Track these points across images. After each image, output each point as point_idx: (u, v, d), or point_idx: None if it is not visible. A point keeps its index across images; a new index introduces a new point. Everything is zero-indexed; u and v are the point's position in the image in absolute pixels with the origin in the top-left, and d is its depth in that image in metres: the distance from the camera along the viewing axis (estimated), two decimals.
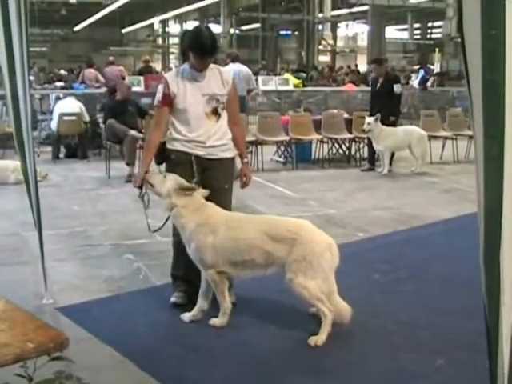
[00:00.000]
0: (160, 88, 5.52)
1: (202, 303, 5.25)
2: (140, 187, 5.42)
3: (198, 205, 5.11)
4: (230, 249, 5.00)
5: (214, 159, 5.45)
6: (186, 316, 5.25)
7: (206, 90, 5.41)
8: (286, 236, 4.91)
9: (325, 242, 4.95)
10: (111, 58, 21.16)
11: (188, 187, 5.12)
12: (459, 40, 2.60)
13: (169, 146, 5.53)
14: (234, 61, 13.40)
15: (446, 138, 14.33)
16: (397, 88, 12.65)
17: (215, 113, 5.46)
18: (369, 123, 12.12)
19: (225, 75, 5.54)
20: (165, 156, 5.56)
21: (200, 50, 5.28)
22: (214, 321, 5.16)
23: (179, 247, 5.50)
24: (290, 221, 5.28)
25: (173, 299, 5.58)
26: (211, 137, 5.44)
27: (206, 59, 5.34)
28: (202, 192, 5.18)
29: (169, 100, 5.42)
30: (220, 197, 5.36)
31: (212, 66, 5.50)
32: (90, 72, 19.66)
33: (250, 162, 12.45)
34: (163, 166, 5.65)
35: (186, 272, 5.57)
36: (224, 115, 5.52)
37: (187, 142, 5.44)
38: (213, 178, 5.40)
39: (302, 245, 4.86)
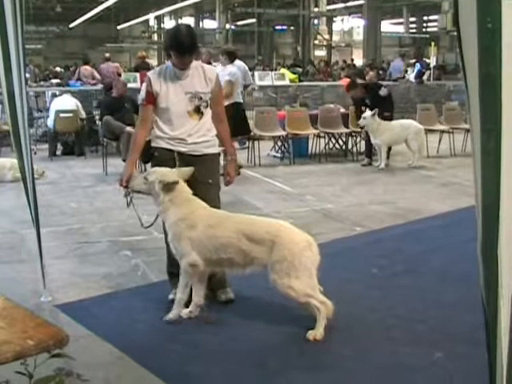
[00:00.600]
0: (143, 86, 5.57)
1: (196, 298, 5.27)
2: (125, 186, 5.47)
3: (183, 199, 5.16)
4: (206, 246, 5.04)
5: (196, 155, 5.47)
6: (183, 312, 5.26)
7: (189, 88, 5.43)
8: (264, 237, 4.94)
9: (304, 241, 4.96)
10: (107, 55, 21.17)
11: (170, 181, 5.12)
12: (455, 33, 2.60)
13: (153, 144, 5.58)
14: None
15: (442, 131, 14.34)
16: (382, 92, 12.74)
17: (198, 111, 5.46)
18: (364, 118, 12.15)
19: (208, 73, 5.53)
20: (150, 154, 5.60)
21: (178, 48, 5.31)
22: (168, 316, 5.24)
23: None
24: (269, 222, 5.31)
25: (171, 296, 5.58)
26: (193, 135, 5.46)
27: (184, 57, 5.35)
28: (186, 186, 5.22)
29: (152, 98, 5.46)
30: (205, 192, 5.37)
31: (195, 63, 5.52)
32: (85, 69, 19.67)
33: (248, 158, 12.56)
34: (149, 165, 5.70)
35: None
36: (207, 113, 5.52)
37: (170, 139, 5.48)
38: (196, 174, 5.35)
39: (281, 245, 4.87)
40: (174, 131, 5.45)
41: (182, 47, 5.29)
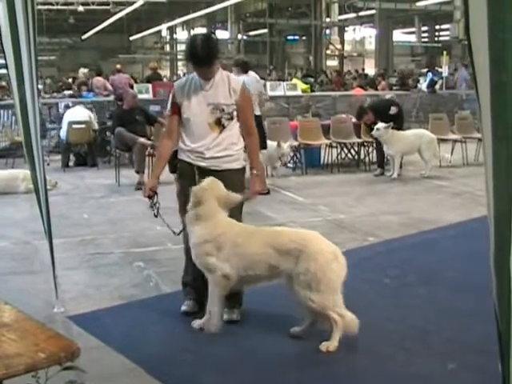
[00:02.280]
0: (170, 97, 5.54)
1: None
2: (150, 197, 5.45)
3: (209, 216, 5.05)
4: (235, 264, 4.98)
5: (217, 170, 5.33)
6: (196, 323, 5.24)
7: (212, 100, 5.32)
8: (290, 247, 4.88)
9: (331, 253, 4.91)
10: (118, 66, 21.23)
11: (196, 202, 5.05)
12: (467, 42, 2.59)
13: (178, 156, 5.53)
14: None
15: (455, 141, 14.29)
16: (392, 111, 12.68)
17: (219, 123, 5.32)
18: (378, 129, 12.12)
19: (233, 83, 5.39)
20: (175, 165, 5.57)
21: (193, 60, 5.27)
22: (197, 323, 5.21)
23: (190, 254, 5.53)
24: (296, 232, 5.25)
25: (183, 308, 5.58)
26: (212, 149, 5.33)
27: (202, 69, 5.28)
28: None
29: (177, 108, 5.41)
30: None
31: (222, 73, 5.41)
32: (98, 80, 19.72)
33: None
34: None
35: (194, 278, 5.57)
36: (231, 126, 5.36)
37: (190, 152, 5.40)
38: None
39: (308, 256, 4.83)
40: (194, 143, 5.36)
41: (197, 59, 5.23)
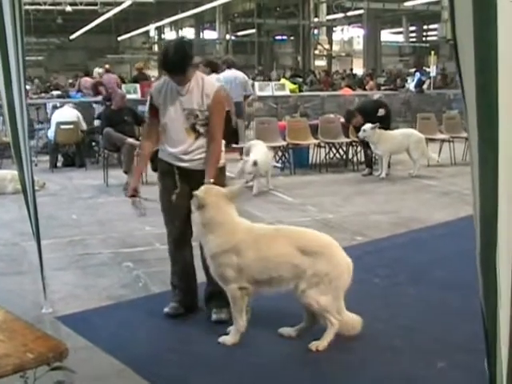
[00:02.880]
0: (148, 98, 5.56)
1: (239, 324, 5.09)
2: (132, 196, 5.46)
3: (220, 223, 4.94)
4: (256, 268, 4.90)
5: (197, 170, 5.31)
6: (223, 339, 5.06)
7: (187, 105, 5.27)
8: (315, 250, 4.86)
9: (348, 264, 4.93)
10: (107, 66, 21.20)
11: (200, 201, 4.94)
12: (453, 43, 2.61)
13: (159, 155, 5.56)
14: (229, 67, 13.43)
15: (442, 140, 14.33)
16: (380, 113, 12.69)
17: (194, 129, 5.30)
18: (364, 130, 12.14)
19: (206, 88, 5.29)
20: (157, 164, 5.60)
21: (166, 68, 5.23)
22: (224, 338, 5.04)
23: (174, 256, 5.55)
24: (319, 234, 5.13)
25: (166, 310, 5.57)
26: (190, 153, 5.33)
27: (175, 76, 5.22)
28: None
29: (154, 111, 5.41)
30: None
31: (198, 77, 5.34)
32: (86, 80, 19.69)
33: None
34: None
35: (180, 280, 5.59)
36: (207, 133, 5.32)
37: (169, 154, 5.41)
38: (198, 187, 5.09)
39: (328, 259, 4.84)
40: (172, 148, 5.36)
41: (170, 67, 5.18)
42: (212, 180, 5.13)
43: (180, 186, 5.38)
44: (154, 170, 5.74)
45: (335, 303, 4.88)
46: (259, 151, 10.98)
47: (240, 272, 4.90)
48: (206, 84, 5.33)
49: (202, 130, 5.31)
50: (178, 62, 5.12)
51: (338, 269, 4.85)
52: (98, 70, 22.22)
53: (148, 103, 5.51)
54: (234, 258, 4.88)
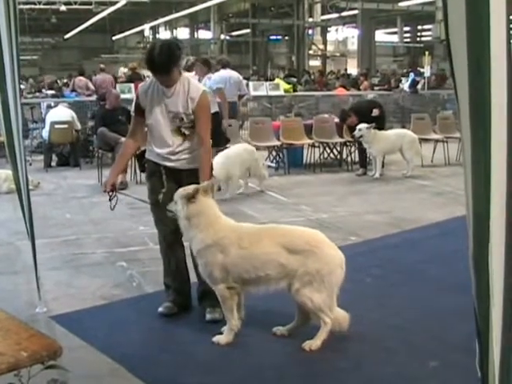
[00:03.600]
0: (134, 98, 5.57)
1: (232, 323, 5.09)
2: (110, 191, 5.50)
3: (207, 222, 4.94)
4: (243, 267, 4.89)
5: (184, 169, 5.35)
6: (216, 338, 5.06)
7: (172, 108, 5.27)
8: (304, 248, 4.84)
9: (340, 258, 4.93)
10: (102, 66, 21.18)
11: (190, 193, 4.91)
12: (446, 43, 2.62)
13: (146, 155, 5.57)
14: (224, 67, 13.43)
15: (436, 140, 14.35)
16: (374, 113, 12.70)
17: (179, 132, 5.31)
18: (360, 129, 12.15)
19: (192, 92, 5.27)
20: (144, 164, 5.63)
21: (150, 67, 5.20)
22: (218, 338, 5.04)
23: (166, 255, 5.56)
24: (308, 232, 5.14)
25: (160, 309, 5.58)
26: (177, 153, 5.34)
27: (160, 76, 5.21)
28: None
29: (140, 111, 5.41)
30: None
31: (185, 80, 5.32)
32: (80, 80, 19.67)
33: None
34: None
35: (173, 280, 5.61)
36: (193, 135, 5.31)
37: (156, 154, 5.41)
38: (185, 186, 5.09)
39: (319, 257, 4.82)
40: (159, 149, 5.37)
41: (154, 66, 5.14)
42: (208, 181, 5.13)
43: (167, 186, 5.39)
44: (142, 170, 5.72)
45: (329, 301, 4.88)
46: (222, 156, 10.32)
47: (226, 271, 4.90)
48: (191, 88, 5.30)
49: (187, 132, 5.31)
50: (162, 61, 5.09)
51: (329, 265, 4.84)
52: (123, 70, 22.17)
53: (134, 102, 5.50)
54: (218, 255, 4.88)
